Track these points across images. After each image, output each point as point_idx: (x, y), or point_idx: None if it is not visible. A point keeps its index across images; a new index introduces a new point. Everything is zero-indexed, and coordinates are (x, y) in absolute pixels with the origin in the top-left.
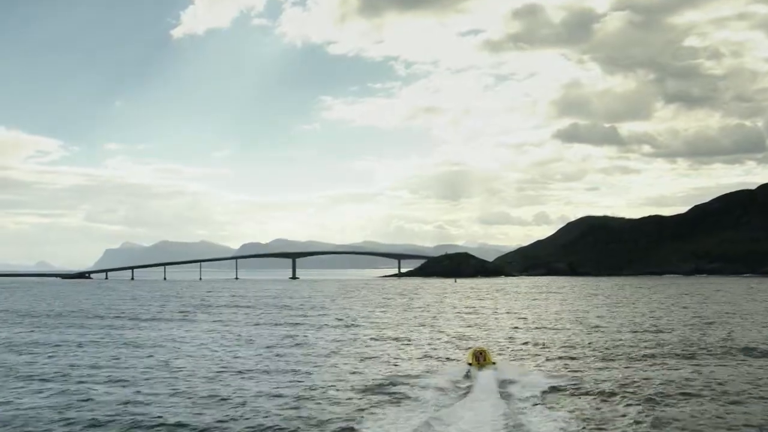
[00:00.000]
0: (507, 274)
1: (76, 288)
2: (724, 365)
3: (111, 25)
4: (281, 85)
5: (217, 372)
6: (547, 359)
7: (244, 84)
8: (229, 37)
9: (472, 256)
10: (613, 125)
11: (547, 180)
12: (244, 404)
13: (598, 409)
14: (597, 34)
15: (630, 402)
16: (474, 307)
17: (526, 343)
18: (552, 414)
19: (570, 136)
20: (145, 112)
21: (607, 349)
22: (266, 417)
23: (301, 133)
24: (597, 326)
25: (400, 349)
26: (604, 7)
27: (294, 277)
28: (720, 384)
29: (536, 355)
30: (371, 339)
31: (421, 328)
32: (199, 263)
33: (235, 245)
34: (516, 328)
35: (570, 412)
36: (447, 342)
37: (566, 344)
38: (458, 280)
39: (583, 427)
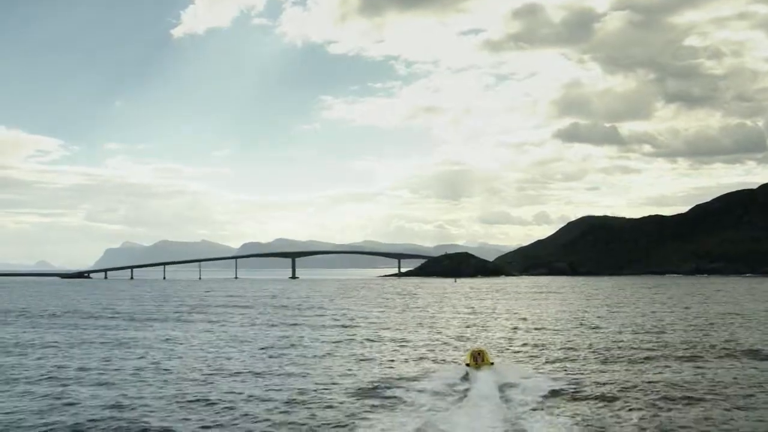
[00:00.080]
0: (507, 274)
1: (75, 288)
2: (729, 367)
3: (111, 25)
4: (281, 85)
5: (208, 374)
6: (547, 360)
7: (244, 83)
8: (230, 36)
9: (473, 256)
10: (614, 125)
11: (547, 180)
12: (232, 408)
13: (599, 413)
14: (597, 33)
15: (632, 406)
16: (473, 307)
17: (525, 344)
18: (552, 420)
19: (570, 135)
20: (146, 111)
21: (608, 350)
22: (254, 422)
23: (302, 133)
24: (597, 327)
25: (396, 351)
26: (605, 7)
27: (294, 277)
28: (725, 387)
29: (536, 356)
30: (368, 340)
31: (419, 328)
32: (198, 263)
33: (235, 245)
34: (515, 328)
35: (570, 417)
36: (445, 343)
37: (566, 345)
38: (458, 280)
39: None
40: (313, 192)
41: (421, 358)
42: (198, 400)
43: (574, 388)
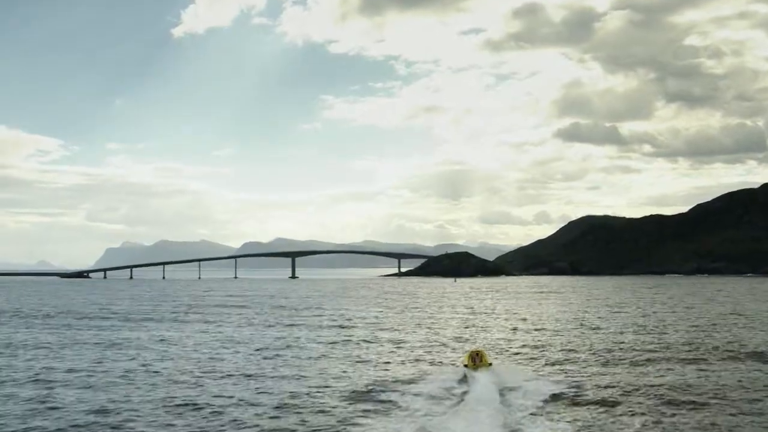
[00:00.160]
0: (508, 274)
1: (73, 287)
2: (733, 370)
3: (111, 25)
4: (282, 84)
5: (199, 376)
6: (547, 362)
7: (244, 83)
8: (230, 36)
9: (473, 256)
10: (614, 124)
11: (547, 179)
12: (220, 414)
13: (600, 418)
14: (598, 33)
15: (634, 411)
16: (472, 307)
17: (525, 345)
18: (552, 425)
19: (571, 135)
20: (146, 111)
21: (609, 351)
22: (241, 428)
23: (302, 132)
24: (598, 327)
25: (393, 352)
26: (605, 6)
27: (293, 277)
28: (730, 390)
29: (535, 358)
30: (364, 341)
31: (417, 328)
32: (198, 262)
33: (236, 244)
34: (515, 329)
35: (570, 422)
36: (443, 344)
37: (567, 346)
38: (458, 280)
39: None
40: (314, 191)
41: (417, 360)
42: (186, 405)
43: (575, 392)
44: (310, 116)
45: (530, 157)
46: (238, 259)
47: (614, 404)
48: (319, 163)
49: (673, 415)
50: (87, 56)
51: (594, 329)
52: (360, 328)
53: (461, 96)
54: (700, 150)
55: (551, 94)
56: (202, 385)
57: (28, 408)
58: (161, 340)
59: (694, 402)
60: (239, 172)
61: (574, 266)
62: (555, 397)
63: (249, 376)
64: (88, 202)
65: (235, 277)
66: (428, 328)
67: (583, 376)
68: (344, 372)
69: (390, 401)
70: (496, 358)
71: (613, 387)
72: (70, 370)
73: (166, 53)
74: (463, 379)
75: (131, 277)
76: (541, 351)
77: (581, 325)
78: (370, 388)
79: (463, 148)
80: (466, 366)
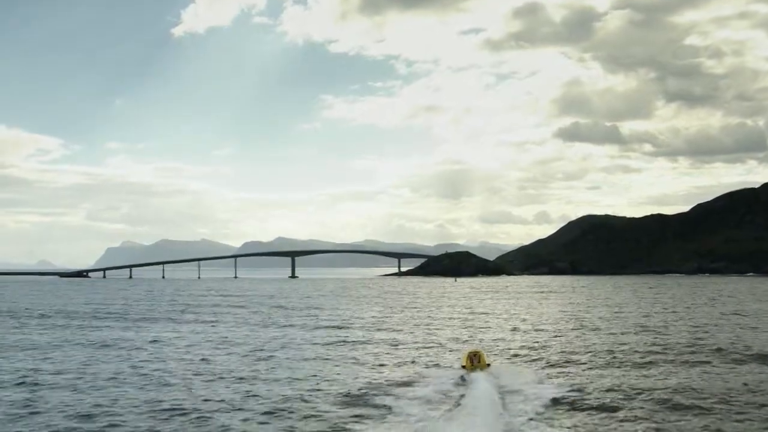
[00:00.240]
0: (508, 273)
1: (72, 287)
2: (738, 373)
3: (111, 24)
4: (282, 84)
5: (189, 379)
6: (547, 364)
7: (244, 82)
8: (230, 35)
9: (473, 255)
10: (614, 124)
11: (548, 179)
12: (207, 419)
13: (602, 424)
14: (598, 32)
15: (637, 414)
16: (472, 307)
17: (524, 346)
18: (551, 431)
19: (571, 134)
20: (146, 111)
21: (610, 353)
22: None
23: (302, 132)
24: (599, 328)
25: (390, 353)
26: (605, 6)
27: (293, 276)
28: (737, 394)
29: (535, 359)
30: (361, 342)
31: (415, 329)
32: (198, 262)
33: (236, 244)
34: (515, 329)
35: (570, 428)
36: (440, 345)
37: (567, 347)
38: (459, 279)
39: None
40: (314, 191)
41: (414, 362)
42: (172, 409)
43: (576, 396)
44: (310, 116)
45: (530, 157)
46: (238, 258)
47: (616, 409)
48: (320, 162)
49: (678, 420)
50: (87, 56)
51: (595, 330)
52: (357, 329)
53: (461, 95)
54: (701, 149)
55: (551, 94)
56: (191, 388)
57: (10, 412)
58: (154, 340)
59: (699, 407)
60: (239, 172)
61: (575, 266)
62: (555, 401)
63: (241, 378)
64: (89, 201)
65: (235, 277)
66: (426, 328)
67: (583, 379)
68: (338, 374)
69: (384, 405)
70: (494, 359)
71: (615, 390)
72: (57, 372)
73: (166, 53)
74: (461, 382)
75: (131, 277)
76: (541, 352)
77: (582, 325)
78: (364, 391)
79: (463, 148)
80: (464, 367)
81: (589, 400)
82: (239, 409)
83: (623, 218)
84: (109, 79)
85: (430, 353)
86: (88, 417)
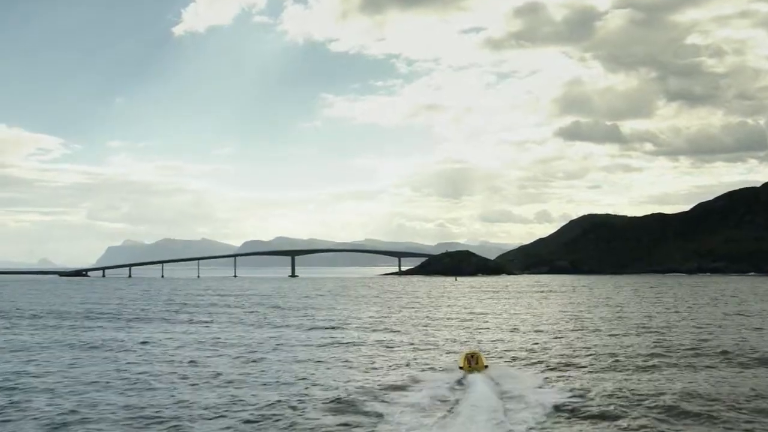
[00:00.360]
0: (508, 273)
1: (70, 286)
2: (745, 377)
3: (112, 23)
4: (282, 83)
5: (173, 382)
6: (547, 366)
7: (245, 81)
8: (231, 34)
9: (473, 254)
10: (615, 123)
11: (548, 178)
12: (185, 427)
13: (602, 428)
14: (599, 32)
15: (642, 423)
16: (471, 307)
17: (523, 347)
18: None
19: (572, 134)
20: (147, 109)
21: (612, 355)
22: None
23: (302, 131)
24: (600, 329)
25: (385, 355)
26: (606, 5)
27: (293, 275)
28: (746, 400)
29: (534, 361)
30: (356, 343)
31: (412, 329)
32: (197, 261)
33: (236, 243)
34: (514, 330)
35: None
36: (438, 346)
37: (567, 348)
38: (459, 279)
39: None
40: (314, 190)
41: (410, 364)
42: (150, 417)
43: (577, 401)
44: (311, 115)
45: (531, 156)
46: (238, 257)
47: (620, 416)
48: (320, 161)
49: (684, 427)
50: (88, 55)
51: (595, 331)
52: (353, 329)
53: (462, 94)
54: (701, 149)
55: (552, 93)
56: (173, 394)
57: None
58: (144, 342)
59: (706, 414)
60: (240, 171)
61: (575, 265)
62: (556, 408)
63: (228, 382)
64: (90, 200)
65: (235, 276)
66: (424, 328)
67: (585, 383)
68: (330, 378)
69: (375, 413)
70: (493, 360)
71: (618, 396)
72: (39, 375)
73: (166, 52)
74: (456, 386)
75: (130, 276)
76: (541, 354)
77: (582, 326)
78: (355, 396)
79: (463, 147)
80: (461, 368)
81: (592, 406)
82: (221, 416)
83: (624, 217)
84: (110, 78)
85: (426, 355)
86: (62, 425)
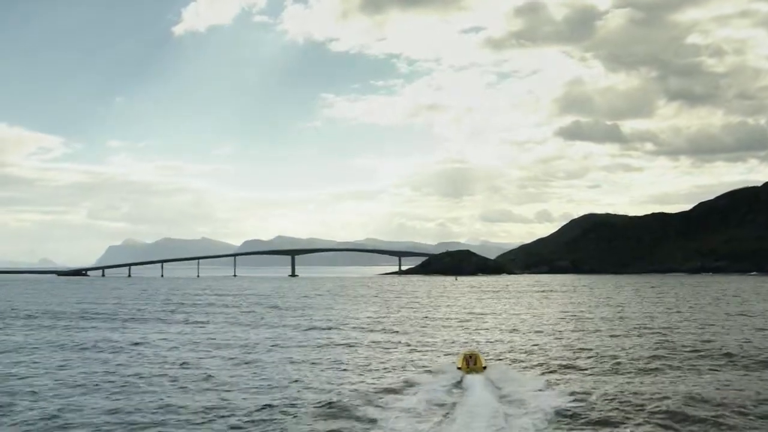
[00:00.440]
0: (509, 272)
1: (68, 286)
2: (751, 380)
3: (112, 23)
4: (283, 83)
5: (162, 385)
6: (547, 369)
7: (245, 81)
8: (231, 34)
9: (474, 254)
10: (616, 123)
11: (549, 177)
12: None
13: None
14: (599, 31)
15: (646, 430)
16: (470, 307)
17: (523, 348)
18: None
19: (572, 133)
20: (147, 109)
21: (614, 357)
22: None
23: (303, 131)
24: (601, 329)
25: (381, 357)
26: (606, 5)
27: (293, 275)
28: (754, 405)
29: (533, 361)
30: (352, 344)
31: (410, 329)
32: (197, 260)
33: (237, 242)
34: (514, 330)
35: None
36: (435, 348)
37: (567, 350)
38: (459, 278)
39: None
40: (315, 190)
41: (404, 367)
42: (133, 422)
43: (578, 405)
44: (311, 114)
45: (531, 156)
46: (238, 257)
47: (623, 421)
48: (320, 161)
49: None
50: (88, 54)
51: (596, 331)
52: (350, 330)
53: (462, 94)
54: (702, 148)
55: (552, 93)
56: (161, 397)
57: None
58: (137, 342)
59: (712, 419)
60: (240, 171)
61: (576, 264)
62: (555, 411)
63: (219, 384)
64: (90, 200)
65: (234, 276)
66: (422, 329)
67: (586, 386)
68: (324, 380)
69: (368, 418)
70: (493, 361)
71: (621, 400)
72: (26, 377)
73: (167, 51)
74: (454, 388)
75: (129, 276)
76: (541, 355)
77: (583, 326)
78: (348, 400)
79: (464, 147)
80: (459, 368)
81: (593, 411)
82: (208, 422)
83: (625, 217)
84: (110, 77)
85: (424, 357)
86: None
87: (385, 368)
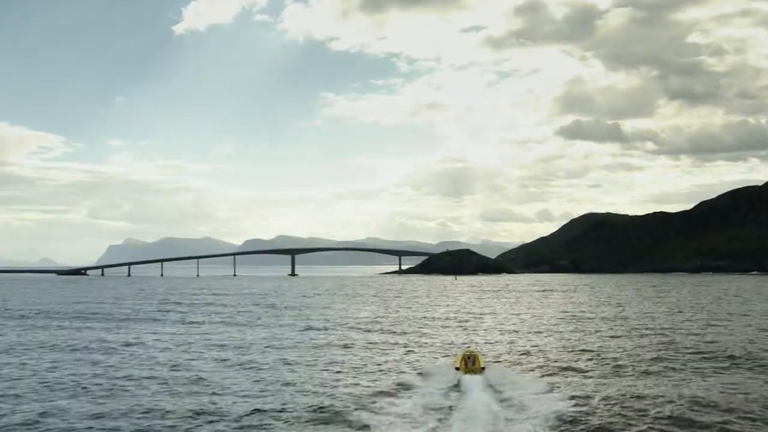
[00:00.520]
0: (509, 271)
1: (67, 285)
2: (755, 382)
3: (113, 22)
4: (283, 82)
5: (151, 388)
6: (547, 371)
7: (245, 80)
8: (231, 33)
9: (474, 253)
10: (616, 122)
11: (549, 177)
12: None
13: None
14: (599, 30)
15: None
16: (470, 307)
17: (523, 349)
18: None
19: (573, 133)
20: (148, 108)
21: (615, 359)
22: None
23: (303, 130)
24: (602, 330)
25: (377, 358)
26: (607, 4)
27: (293, 274)
28: (762, 408)
29: (535, 365)
30: (349, 345)
31: (408, 329)
32: (197, 260)
33: (237, 241)
34: (514, 330)
35: None
36: (433, 348)
37: (569, 351)
38: (459, 277)
39: None
40: (315, 189)
41: (401, 368)
42: (119, 428)
43: (579, 409)
44: (312, 114)
45: (532, 155)
46: (238, 256)
47: (626, 426)
48: (321, 160)
49: None
50: (89, 53)
51: (597, 332)
52: (347, 330)
53: (463, 93)
54: (702, 148)
55: (553, 92)
56: (150, 400)
57: None
58: (129, 343)
59: (718, 425)
60: (240, 170)
61: (576, 264)
62: (556, 416)
63: (209, 387)
64: (91, 199)
65: (234, 275)
66: (420, 329)
67: (586, 387)
68: (318, 383)
69: (362, 424)
70: (492, 361)
71: (623, 403)
72: (12, 379)
73: (167, 51)
74: (451, 391)
75: (129, 275)
76: (541, 356)
77: (584, 327)
78: (342, 404)
79: (464, 146)
80: (457, 369)
81: (595, 415)
82: (195, 427)
83: (625, 216)
84: (111, 76)
85: (421, 358)
86: None
87: (380, 370)
